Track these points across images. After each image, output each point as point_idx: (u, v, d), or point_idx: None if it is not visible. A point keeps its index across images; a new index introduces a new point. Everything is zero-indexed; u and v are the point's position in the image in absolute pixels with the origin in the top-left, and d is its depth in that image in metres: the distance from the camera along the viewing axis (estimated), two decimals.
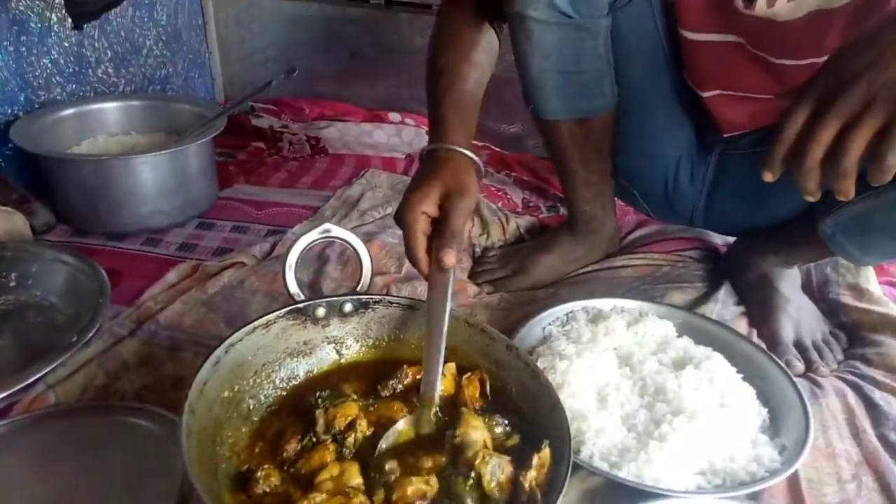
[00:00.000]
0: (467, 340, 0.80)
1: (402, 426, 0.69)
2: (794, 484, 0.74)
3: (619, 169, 1.06)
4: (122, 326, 0.94)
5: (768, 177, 0.62)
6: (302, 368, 0.79)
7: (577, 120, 0.96)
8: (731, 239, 1.19)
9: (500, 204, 1.36)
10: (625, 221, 1.29)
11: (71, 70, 1.35)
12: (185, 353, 0.91)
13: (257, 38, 1.83)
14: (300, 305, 0.79)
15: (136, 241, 1.18)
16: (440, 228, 0.74)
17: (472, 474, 0.63)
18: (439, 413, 0.70)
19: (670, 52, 0.92)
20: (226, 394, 0.71)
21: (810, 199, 0.61)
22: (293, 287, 0.79)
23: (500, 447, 0.67)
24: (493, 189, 1.44)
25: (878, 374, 0.90)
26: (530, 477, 0.62)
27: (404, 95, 1.82)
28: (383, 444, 0.67)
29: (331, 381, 0.78)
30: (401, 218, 0.76)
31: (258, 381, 0.75)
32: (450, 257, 0.72)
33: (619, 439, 0.76)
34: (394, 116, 1.76)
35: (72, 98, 1.35)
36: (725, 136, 0.98)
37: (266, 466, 0.64)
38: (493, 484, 0.62)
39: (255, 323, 0.75)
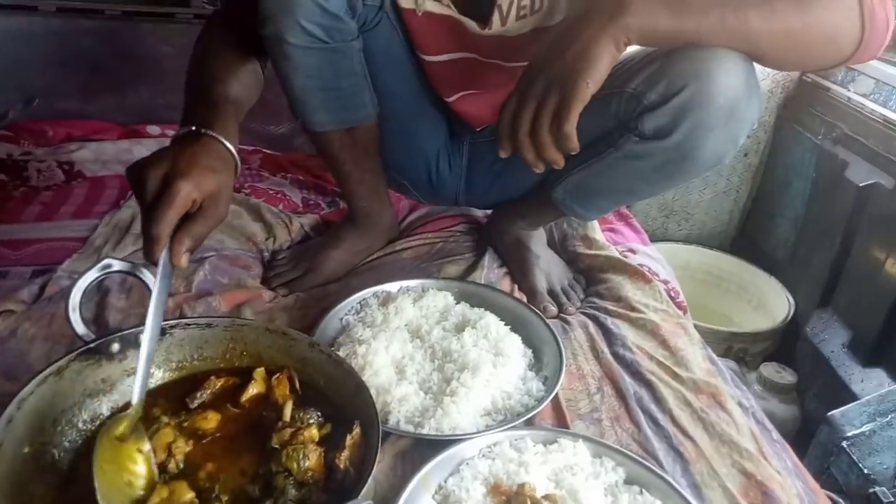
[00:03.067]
0: (271, 346, 0.85)
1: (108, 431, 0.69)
2: (556, 405, 0.92)
3: (389, 164, 1.17)
4: None
5: (502, 153, 0.80)
6: (105, 406, 0.78)
7: (345, 129, 1.04)
8: (490, 211, 1.37)
9: (280, 206, 1.40)
10: (400, 207, 1.42)
11: None
12: None
13: None
14: (92, 345, 0.77)
15: None
16: (191, 225, 0.71)
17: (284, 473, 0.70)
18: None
19: (416, 65, 1.04)
20: (26, 450, 0.69)
21: (536, 170, 0.79)
22: (80, 328, 0.77)
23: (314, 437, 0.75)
24: (271, 192, 1.46)
25: (609, 305, 1.13)
26: (344, 457, 0.71)
27: (160, 105, 1.75)
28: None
29: None
30: (172, 189, 0.69)
31: (59, 429, 0.73)
32: (184, 260, 0.70)
33: (419, 402, 0.87)
34: (153, 129, 1.69)
35: None
36: (478, 129, 1.14)
37: None
38: (305, 472, 0.69)
39: (46, 371, 0.73)
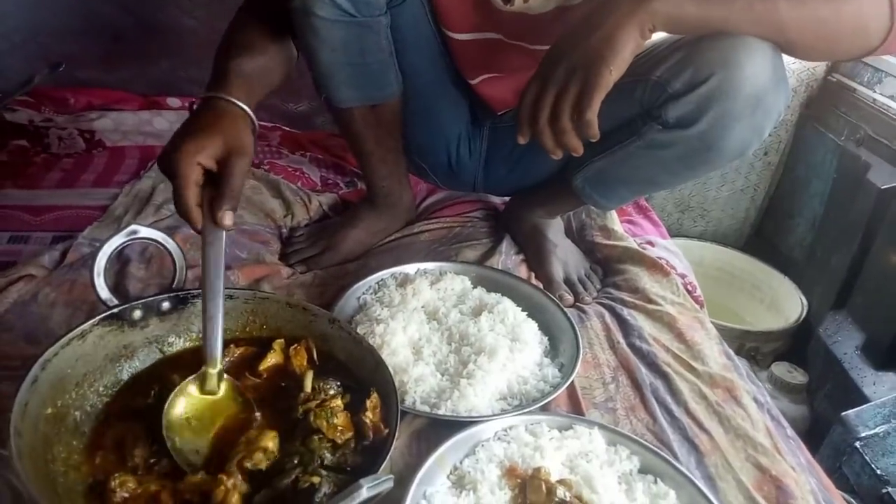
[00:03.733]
0: (291, 320, 0.86)
1: (186, 387, 0.73)
2: (572, 392, 0.92)
3: (410, 146, 1.16)
4: None
5: (521, 139, 0.79)
6: (126, 372, 0.79)
7: (369, 106, 1.04)
8: (507, 198, 1.36)
9: (299, 184, 1.40)
10: (418, 190, 1.41)
11: None
12: None
13: None
14: (115, 310, 0.78)
15: None
16: (220, 187, 0.71)
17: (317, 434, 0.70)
18: (225, 374, 0.74)
19: (443, 45, 1.04)
20: (49, 410, 0.69)
21: (554, 157, 0.79)
22: (104, 293, 0.78)
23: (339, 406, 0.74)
24: (290, 169, 1.46)
25: (626, 296, 1.13)
26: (368, 416, 0.72)
27: (181, 78, 1.74)
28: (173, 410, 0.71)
29: (158, 376, 0.79)
30: (173, 166, 0.71)
31: (81, 392, 0.74)
32: (229, 218, 0.71)
33: (435, 383, 0.87)
34: (173, 102, 1.69)
35: None
36: (499, 113, 1.13)
37: (118, 475, 0.64)
38: (335, 428, 0.70)
39: (70, 335, 0.74)
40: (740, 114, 0.82)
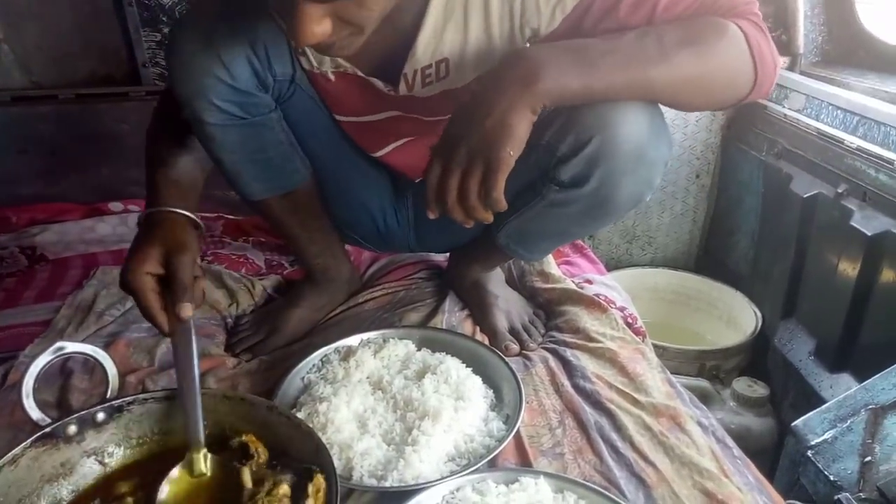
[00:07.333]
0: (230, 412, 0.86)
1: (176, 474, 0.77)
2: (519, 443, 0.92)
3: (338, 222, 1.19)
4: None
5: (431, 216, 0.81)
6: (65, 490, 0.79)
7: (282, 194, 1.06)
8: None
9: (243, 270, 1.41)
10: (362, 259, 1.44)
11: None
12: None
13: None
14: (47, 429, 0.78)
15: None
16: (171, 285, 0.80)
17: None
18: (208, 453, 0.78)
19: (341, 127, 1.06)
20: None
21: (466, 226, 0.81)
22: (35, 413, 0.78)
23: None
24: (233, 257, 1.48)
25: (568, 337, 1.15)
26: (311, 503, 0.72)
27: (122, 182, 1.77)
28: (161, 496, 0.74)
29: (100, 488, 0.79)
30: (127, 283, 0.81)
31: None
32: (187, 310, 0.79)
33: (381, 455, 0.87)
34: (115, 206, 1.71)
35: None
36: (418, 180, 1.16)
37: None
38: None
39: (0, 462, 0.74)
40: (625, 169, 0.85)
